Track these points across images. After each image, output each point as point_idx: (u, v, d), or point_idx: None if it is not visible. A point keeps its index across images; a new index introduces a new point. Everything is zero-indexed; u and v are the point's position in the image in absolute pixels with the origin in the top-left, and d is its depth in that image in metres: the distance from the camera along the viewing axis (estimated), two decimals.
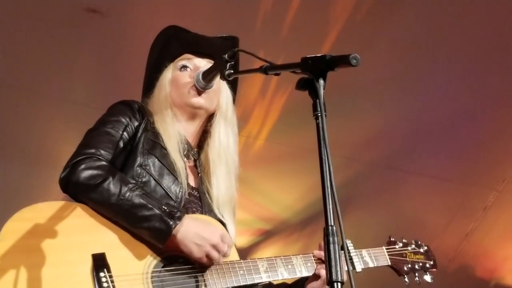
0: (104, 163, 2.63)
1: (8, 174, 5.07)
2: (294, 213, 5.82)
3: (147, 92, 3.01)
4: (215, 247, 2.59)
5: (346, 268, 2.78)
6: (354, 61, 2.10)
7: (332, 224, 2.01)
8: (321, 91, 2.12)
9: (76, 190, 2.61)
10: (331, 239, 2.01)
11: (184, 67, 2.95)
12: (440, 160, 5.69)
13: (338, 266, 1.99)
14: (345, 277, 2.05)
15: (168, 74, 2.96)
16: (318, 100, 2.11)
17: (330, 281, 1.98)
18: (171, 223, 2.53)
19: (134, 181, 2.68)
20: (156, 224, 2.53)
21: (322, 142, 2.06)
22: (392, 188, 5.78)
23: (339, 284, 1.98)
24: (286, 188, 5.67)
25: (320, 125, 2.08)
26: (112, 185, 2.56)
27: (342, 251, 2.82)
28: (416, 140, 5.56)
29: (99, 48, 4.73)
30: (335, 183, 2.02)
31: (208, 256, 2.59)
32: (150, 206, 2.55)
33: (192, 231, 2.57)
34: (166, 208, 2.57)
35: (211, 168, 2.90)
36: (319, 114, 2.10)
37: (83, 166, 2.59)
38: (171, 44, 3.00)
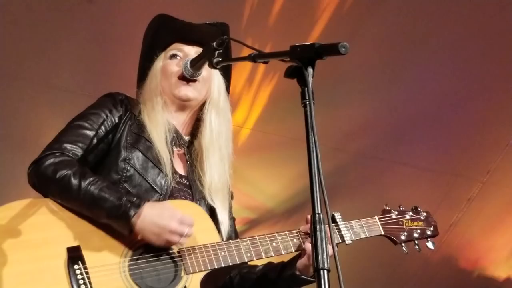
0: (66, 158, 2.63)
1: None
2: (279, 202, 5.82)
3: (140, 82, 3.00)
4: (174, 232, 2.56)
5: (335, 241, 2.80)
6: (343, 49, 2.10)
7: (319, 212, 2.01)
8: (310, 79, 2.12)
9: (40, 186, 2.62)
10: (318, 227, 2.01)
11: (174, 55, 2.94)
12: (425, 150, 5.70)
13: (325, 254, 1.99)
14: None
15: (159, 63, 2.94)
16: (306, 88, 2.11)
17: (316, 269, 1.98)
18: (130, 213, 2.51)
19: (118, 176, 2.70)
20: (116, 215, 2.52)
21: (310, 130, 2.07)
22: (377, 178, 5.79)
23: (325, 271, 1.98)
24: (272, 177, 5.66)
25: (308, 113, 2.09)
26: (72, 180, 2.55)
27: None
28: (401, 131, 5.57)
29: (85, 34, 4.70)
30: (322, 171, 2.02)
31: (168, 242, 2.57)
32: (110, 198, 2.53)
33: (149, 221, 2.54)
34: (125, 198, 2.55)
35: (204, 155, 2.88)
36: (307, 102, 2.10)
37: (46, 163, 2.59)
38: (160, 34, 2.98)
